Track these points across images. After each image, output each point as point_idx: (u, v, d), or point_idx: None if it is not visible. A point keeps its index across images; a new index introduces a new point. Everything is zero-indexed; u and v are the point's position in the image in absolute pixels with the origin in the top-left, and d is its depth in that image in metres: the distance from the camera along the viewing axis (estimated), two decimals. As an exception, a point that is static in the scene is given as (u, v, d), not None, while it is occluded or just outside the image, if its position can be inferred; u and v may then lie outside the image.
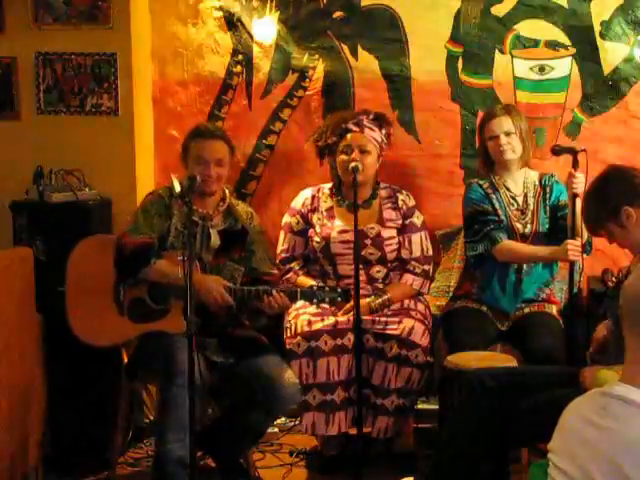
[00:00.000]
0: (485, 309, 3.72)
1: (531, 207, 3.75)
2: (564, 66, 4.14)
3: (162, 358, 3.16)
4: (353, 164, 3.59)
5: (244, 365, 3.31)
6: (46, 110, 4.12)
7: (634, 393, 1.70)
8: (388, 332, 3.53)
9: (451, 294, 3.91)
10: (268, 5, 4.23)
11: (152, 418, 3.92)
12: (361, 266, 3.54)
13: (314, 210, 3.81)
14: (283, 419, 4.08)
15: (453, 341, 3.57)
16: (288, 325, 3.61)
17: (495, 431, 2.81)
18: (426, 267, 3.77)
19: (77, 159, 3.99)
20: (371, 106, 3.97)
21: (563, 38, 4.12)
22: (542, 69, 4.16)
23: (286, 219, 3.86)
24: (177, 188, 3.07)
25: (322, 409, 3.50)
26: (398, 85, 4.21)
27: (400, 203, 3.79)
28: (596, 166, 3.33)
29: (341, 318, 3.57)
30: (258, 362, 3.30)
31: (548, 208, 3.75)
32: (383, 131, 3.74)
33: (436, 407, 3.76)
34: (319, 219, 3.77)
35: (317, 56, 4.24)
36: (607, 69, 4.11)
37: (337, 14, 4.22)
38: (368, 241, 3.70)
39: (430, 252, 3.81)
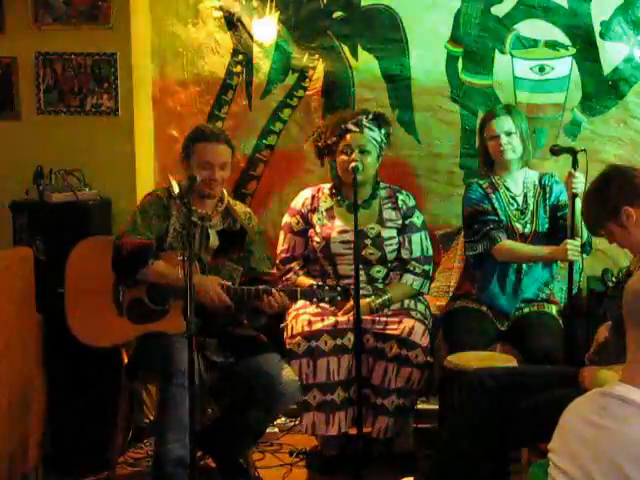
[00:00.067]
0: (485, 309, 3.72)
1: (531, 207, 3.75)
2: (564, 66, 4.14)
3: (161, 358, 3.17)
4: (353, 164, 3.59)
5: (244, 364, 3.31)
6: (46, 110, 4.12)
7: (634, 393, 1.70)
8: (388, 332, 3.53)
9: (451, 294, 3.91)
10: (268, 5, 4.23)
11: (152, 418, 3.91)
12: (361, 266, 3.54)
13: (314, 210, 3.80)
14: (283, 419, 4.08)
15: (453, 341, 3.57)
16: (287, 323, 3.62)
17: (495, 431, 2.81)
18: (426, 267, 3.77)
19: (77, 159, 4.00)
20: (371, 106, 3.98)
21: (563, 38, 4.12)
22: (542, 69, 4.16)
23: (286, 219, 3.86)
24: (175, 189, 3.07)
25: (322, 409, 3.50)
26: (398, 85, 4.21)
27: (400, 203, 3.79)
28: (596, 166, 3.33)
29: (341, 318, 3.57)
30: (258, 360, 3.30)
31: (548, 208, 3.75)
32: (382, 131, 3.74)
33: (436, 407, 3.77)
34: (319, 219, 3.77)
35: (317, 56, 4.24)
36: (607, 69, 4.11)
37: (337, 14, 4.22)
38: (368, 241, 3.70)
39: (430, 252, 3.81)
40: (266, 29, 4.24)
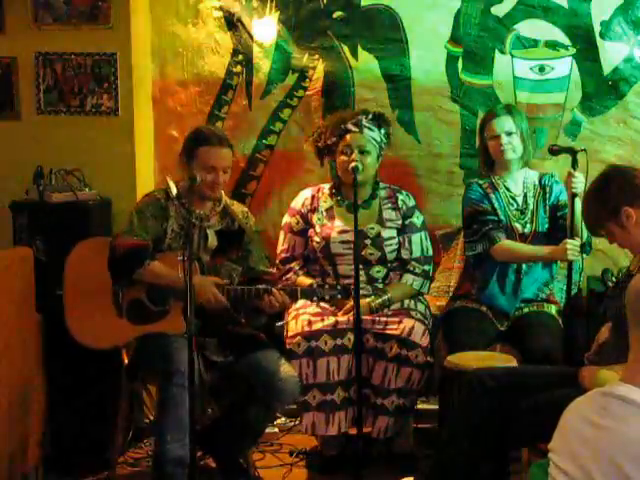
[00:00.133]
0: (485, 309, 3.72)
1: (530, 207, 3.75)
2: (564, 66, 4.15)
3: (160, 358, 3.17)
4: (353, 164, 3.59)
5: (243, 362, 3.31)
6: (46, 110, 4.12)
7: (635, 393, 1.70)
8: (388, 332, 3.53)
9: (451, 294, 3.91)
10: (268, 5, 4.23)
11: (152, 418, 3.91)
12: (361, 266, 3.54)
13: (314, 210, 3.80)
14: (283, 419, 4.09)
15: (453, 341, 3.57)
16: (286, 321, 3.62)
17: (495, 431, 2.81)
18: (426, 267, 3.77)
19: (77, 159, 3.99)
20: (371, 106, 3.98)
21: (563, 38, 4.13)
22: (542, 69, 4.16)
23: (286, 219, 3.86)
24: (173, 191, 3.07)
25: (322, 409, 3.50)
26: (398, 85, 4.21)
27: (400, 203, 3.79)
28: (596, 166, 3.33)
29: (341, 318, 3.57)
30: (256, 357, 3.30)
31: (547, 208, 3.75)
32: (382, 131, 3.74)
33: (436, 407, 3.77)
34: (319, 219, 3.77)
35: (317, 56, 4.24)
36: (607, 69, 4.11)
37: (337, 14, 4.22)
38: (368, 241, 3.70)
39: (430, 252, 3.81)
40: (266, 29, 4.24)
